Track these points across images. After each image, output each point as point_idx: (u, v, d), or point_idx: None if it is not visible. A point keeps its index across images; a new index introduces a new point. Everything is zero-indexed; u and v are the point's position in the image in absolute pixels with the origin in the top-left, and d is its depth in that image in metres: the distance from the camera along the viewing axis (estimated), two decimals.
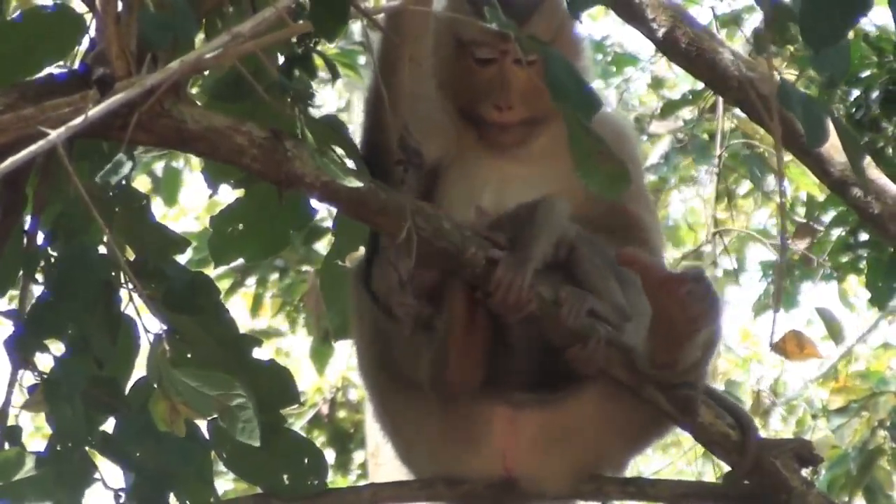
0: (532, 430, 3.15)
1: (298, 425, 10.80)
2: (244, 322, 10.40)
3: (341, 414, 10.95)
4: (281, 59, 3.41)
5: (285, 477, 2.72)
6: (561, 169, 3.18)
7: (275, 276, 9.54)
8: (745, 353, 11.39)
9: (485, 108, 3.22)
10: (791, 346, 8.09)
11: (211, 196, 3.26)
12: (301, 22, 2.89)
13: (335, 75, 4.35)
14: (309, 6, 2.99)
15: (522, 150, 3.26)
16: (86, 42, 2.73)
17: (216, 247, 3.00)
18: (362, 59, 7.67)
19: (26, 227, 2.75)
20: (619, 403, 3.12)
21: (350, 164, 2.96)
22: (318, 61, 3.41)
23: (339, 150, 2.88)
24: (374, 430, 8.47)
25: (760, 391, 9.38)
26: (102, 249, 2.71)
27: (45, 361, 2.75)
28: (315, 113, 3.09)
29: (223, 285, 9.39)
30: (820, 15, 2.46)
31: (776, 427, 10.21)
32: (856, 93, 6.25)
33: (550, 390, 3.14)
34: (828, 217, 7.56)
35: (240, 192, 3.11)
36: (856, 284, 9.60)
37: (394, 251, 2.95)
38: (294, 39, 3.18)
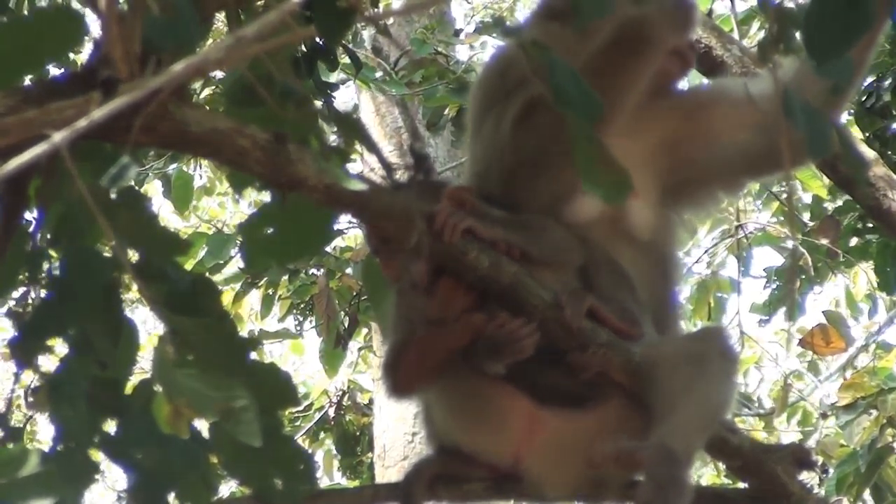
0: (549, 432, 3.17)
1: (305, 428, 10.83)
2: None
3: (348, 417, 10.96)
4: (302, 52, 3.42)
5: (279, 482, 2.72)
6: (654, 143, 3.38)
7: (284, 277, 9.56)
8: (745, 354, 11.37)
9: (661, 78, 3.37)
10: (818, 340, 8.11)
11: (237, 201, 3.27)
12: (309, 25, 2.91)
13: (358, 66, 4.37)
14: (314, 8, 3.00)
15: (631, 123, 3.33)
16: (90, 44, 2.75)
17: (251, 253, 2.99)
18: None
19: (29, 228, 2.75)
20: (636, 423, 3.14)
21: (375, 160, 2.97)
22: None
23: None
24: (381, 433, 8.48)
25: (787, 383, 9.38)
26: (104, 251, 2.71)
27: (47, 362, 2.75)
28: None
29: (234, 287, 9.42)
30: (823, 30, 2.46)
31: (780, 427, 10.20)
32: (867, 81, 6.26)
33: (575, 399, 3.16)
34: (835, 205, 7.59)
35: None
36: (864, 287, 9.59)
37: (405, 255, 2.96)
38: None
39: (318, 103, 3.41)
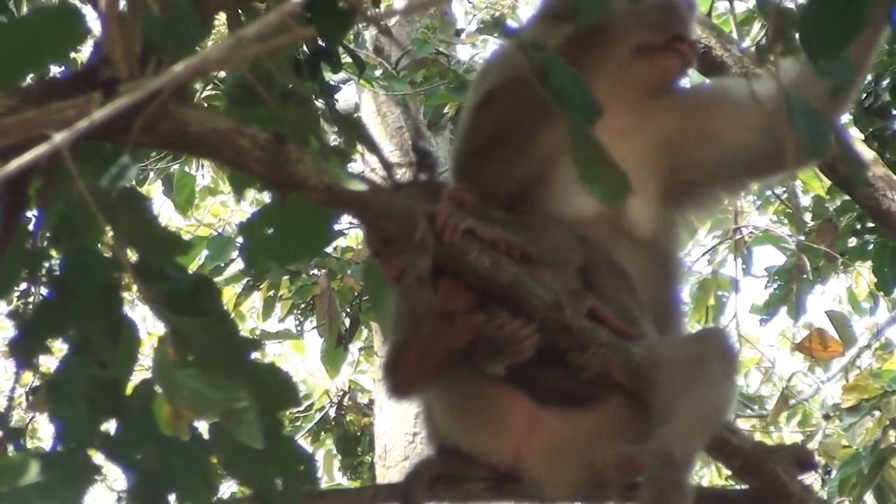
0: (549, 432, 3.17)
1: (306, 428, 10.83)
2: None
3: (349, 417, 10.96)
4: (306, 55, 3.42)
5: (279, 482, 2.72)
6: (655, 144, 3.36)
7: (285, 278, 9.56)
8: (747, 355, 11.38)
9: (646, 73, 3.36)
10: (815, 344, 8.11)
11: (238, 202, 3.28)
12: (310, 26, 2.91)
13: (361, 68, 4.38)
14: (314, 9, 3.00)
15: (630, 122, 3.31)
16: (91, 45, 2.75)
17: (251, 254, 2.99)
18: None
19: (29, 225, 2.75)
20: (636, 423, 3.13)
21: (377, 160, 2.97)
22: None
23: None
24: (382, 433, 8.48)
25: (787, 388, 9.39)
26: (105, 251, 2.72)
27: (48, 362, 2.76)
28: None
29: (235, 288, 9.42)
30: (819, 29, 2.47)
31: (784, 428, 10.20)
32: (865, 81, 6.26)
33: (575, 399, 3.16)
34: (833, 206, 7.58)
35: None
36: (865, 287, 9.59)
37: (412, 251, 2.96)
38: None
39: (321, 105, 3.41)
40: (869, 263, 7.43)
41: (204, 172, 10.60)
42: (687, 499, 2.95)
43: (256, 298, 9.95)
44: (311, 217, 2.90)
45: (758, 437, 9.27)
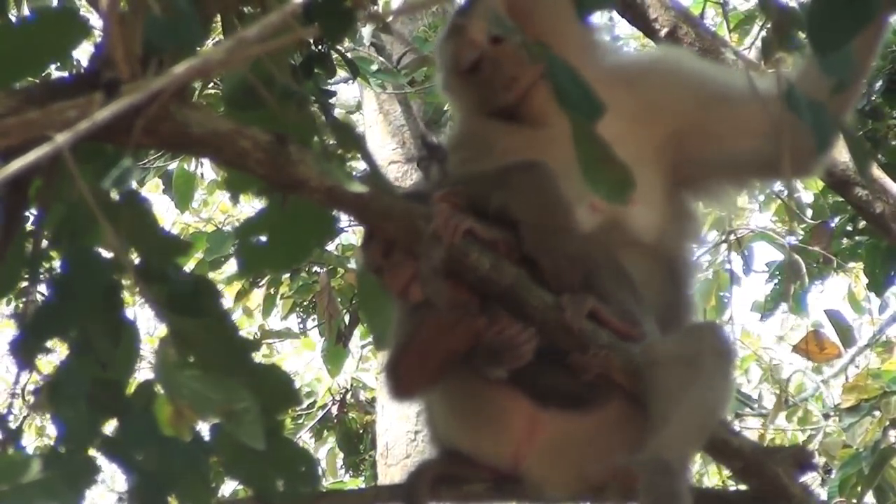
0: (550, 433, 3.17)
1: (308, 426, 10.84)
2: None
3: (351, 415, 10.97)
4: (299, 59, 3.42)
5: (280, 483, 2.73)
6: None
7: (286, 276, 9.57)
8: (744, 353, 11.36)
9: (501, 99, 3.26)
10: (812, 346, 8.12)
11: (235, 203, 3.27)
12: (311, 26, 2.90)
13: (355, 73, 4.37)
14: (315, 9, 2.99)
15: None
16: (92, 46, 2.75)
17: (246, 257, 2.98)
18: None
19: (28, 223, 2.75)
20: (636, 424, 3.12)
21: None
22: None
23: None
24: (383, 431, 8.49)
25: (783, 390, 9.40)
26: (105, 252, 2.72)
27: (49, 363, 2.76)
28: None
29: (235, 287, 9.42)
30: (828, 20, 2.46)
31: (782, 425, 10.20)
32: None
33: (575, 400, 3.16)
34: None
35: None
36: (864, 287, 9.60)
37: (424, 242, 2.96)
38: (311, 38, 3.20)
39: (317, 108, 3.41)
40: (859, 264, 7.43)
41: (203, 171, 10.60)
42: None
43: (258, 296, 9.96)
44: (310, 219, 2.91)
45: (757, 436, 9.28)
